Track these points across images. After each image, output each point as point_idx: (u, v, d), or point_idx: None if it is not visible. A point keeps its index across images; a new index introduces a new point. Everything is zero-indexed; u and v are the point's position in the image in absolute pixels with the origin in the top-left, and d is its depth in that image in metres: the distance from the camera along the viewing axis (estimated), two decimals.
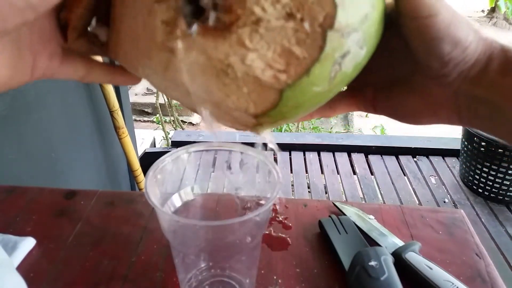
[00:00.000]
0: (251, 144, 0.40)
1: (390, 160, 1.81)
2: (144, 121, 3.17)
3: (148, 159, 1.79)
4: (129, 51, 0.25)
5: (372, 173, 1.74)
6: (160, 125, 2.40)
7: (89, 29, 0.27)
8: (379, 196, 1.61)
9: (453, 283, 0.43)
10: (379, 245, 0.49)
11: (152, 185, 0.37)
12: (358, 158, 1.82)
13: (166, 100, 2.46)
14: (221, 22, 0.21)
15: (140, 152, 1.83)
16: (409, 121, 0.30)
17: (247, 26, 0.21)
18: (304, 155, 1.83)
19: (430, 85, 0.27)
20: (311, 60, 0.22)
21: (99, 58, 0.31)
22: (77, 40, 0.26)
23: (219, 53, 0.22)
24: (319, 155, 1.84)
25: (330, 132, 2.73)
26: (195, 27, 0.22)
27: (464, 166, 1.64)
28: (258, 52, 0.22)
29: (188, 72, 0.23)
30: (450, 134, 1.98)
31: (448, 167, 1.76)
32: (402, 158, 1.81)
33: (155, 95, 2.50)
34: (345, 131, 3.02)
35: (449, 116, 0.28)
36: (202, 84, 0.24)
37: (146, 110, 3.21)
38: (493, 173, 1.52)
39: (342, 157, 1.83)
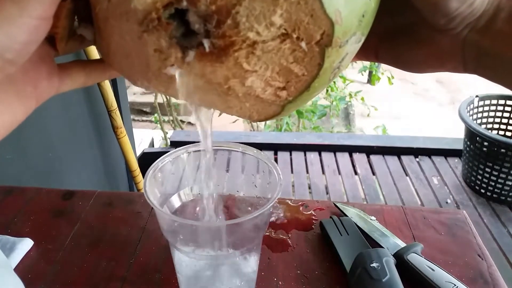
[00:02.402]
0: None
1: (392, 160, 1.80)
2: (143, 120, 3.16)
3: (147, 159, 1.79)
4: (124, 67, 0.25)
5: (373, 174, 1.73)
6: (159, 125, 2.39)
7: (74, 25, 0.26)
8: (381, 196, 1.61)
9: (455, 285, 0.43)
10: (381, 247, 0.49)
11: (152, 185, 0.37)
12: (360, 158, 1.81)
13: (165, 100, 2.45)
14: (216, 46, 0.21)
15: (138, 152, 1.83)
16: (413, 70, 0.29)
17: (243, 49, 0.21)
18: (305, 155, 1.83)
19: (436, 35, 0.26)
20: (311, 76, 0.22)
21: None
22: (66, 45, 0.26)
23: (218, 77, 0.22)
24: (320, 155, 1.83)
25: (331, 132, 2.72)
26: (191, 55, 0.21)
27: (466, 167, 1.64)
28: (257, 73, 0.22)
29: (189, 93, 0.23)
30: (452, 134, 1.97)
31: (451, 167, 1.75)
32: (404, 158, 1.80)
33: (154, 94, 2.50)
34: (346, 131, 3.01)
35: (455, 65, 0.27)
36: (205, 100, 0.24)
37: (144, 109, 3.20)
38: (496, 173, 1.51)
39: (343, 157, 1.82)
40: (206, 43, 0.21)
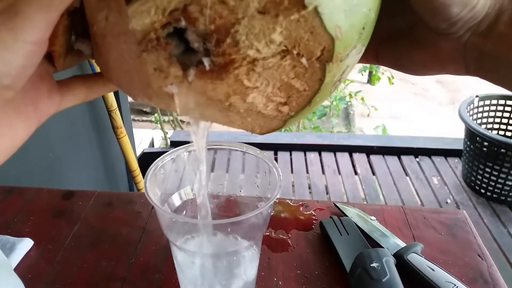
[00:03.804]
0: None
1: (392, 160, 1.80)
2: (143, 120, 3.16)
3: (147, 159, 1.79)
4: (124, 83, 0.25)
5: (373, 174, 1.73)
6: (159, 125, 2.39)
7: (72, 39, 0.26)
8: (381, 196, 1.61)
9: (455, 285, 0.43)
10: (381, 247, 0.49)
11: (152, 184, 0.37)
12: (360, 158, 1.82)
13: None
14: (216, 64, 0.21)
15: (138, 152, 1.83)
16: (414, 73, 0.29)
17: (244, 67, 0.21)
18: (305, 155, 1.83)
19: (437, 39, 0.26)
20: (312, 91, 0.22)
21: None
22: (64, 61, 0.26)
23: (219, 94, 0.22)
24: (320, 155, 1.83)
25: (331, 132, 2.72)
26: (191, 73, 0.21)
27: (466, 167, 1.64)
28: (258, 89, 0.22)
29: (190, 110, 0.23)
30: (452, 134, 1.97)
31: (451, 167, 1.75)
32: (404, 158, 1.81)
33: None
34: (346, 131, 3.01)
35: (457, 68, 0.27)
36: (206, 115, 0.24)
37: (144, 109, 3.20)
38: (496, 173, 1.51)
39: (343, 157, 1.82)
40: (206, 62, 0.21)
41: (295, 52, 0.20)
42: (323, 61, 0.21)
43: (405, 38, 0.28)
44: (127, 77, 0.24)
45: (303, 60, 0.21)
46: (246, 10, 0.19)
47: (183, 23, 0.20)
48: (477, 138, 1.52)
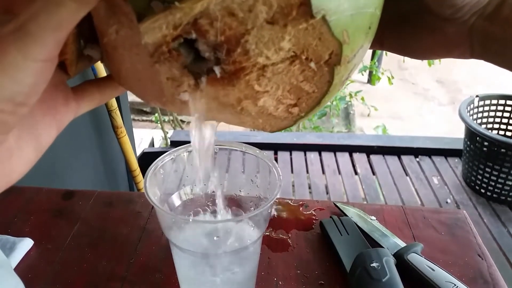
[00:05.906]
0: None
1: (392, 160, 1.80)
2: (143, 120, 3.15)
3: (147, 159, 1.78)
4: (137, 89, 0.25)
5: (374, 173, 1.73)
6: (159, 125, 2.39)
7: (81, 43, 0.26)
8: (381, 196, 1.61)
9: (455, 284, 0.43)
10: (381, 246, 0.49)
11: (152, 184, 0.37)
12: (360, 158, 1.82)
13: None
14: (227, 71, 0.21)
15: (138, 152, 1.83)
16: (418, 57, 0.29)
17: (254, 73, 0.21)
18: (305, 155, 1.83)
19: (442, 23, 0.26)
20: (321, 93, 0.23)
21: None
22: (76, 68, 0.26)
23: (231, 99, 0.23)
24: (320, 155, 1.83)
25: (331, 131, 2.71)
26: (203, 81, 0.22)
27: (466, 166, 1.64)
28: (268, 93, 0.22)
29: (203, 114, 0.24)
30: (452, 134, 1.97)
31: (451, 167, 1.75)
32: (404, 158, 1.81)
33: None
34: (346, 131, 3.01)
35: (462, 52, 0.27)
36: (218, 118, 0.25)
37: (144, 109, 3.19)
38: (496, 173, 1.51)
39: (343, 157, 1.82)
40: (217, 70, 0.21)
41: (303, 57, 0.21)
42: (331, 64, 0.21)
43: (410, 23, 0.28)
44: (140, 85, 0.24)
45: (312, 64, 0.21)
46: (255, 21, 0.19)
47: (193, 35, 0.20)
48: (477, 138, 1.52)
